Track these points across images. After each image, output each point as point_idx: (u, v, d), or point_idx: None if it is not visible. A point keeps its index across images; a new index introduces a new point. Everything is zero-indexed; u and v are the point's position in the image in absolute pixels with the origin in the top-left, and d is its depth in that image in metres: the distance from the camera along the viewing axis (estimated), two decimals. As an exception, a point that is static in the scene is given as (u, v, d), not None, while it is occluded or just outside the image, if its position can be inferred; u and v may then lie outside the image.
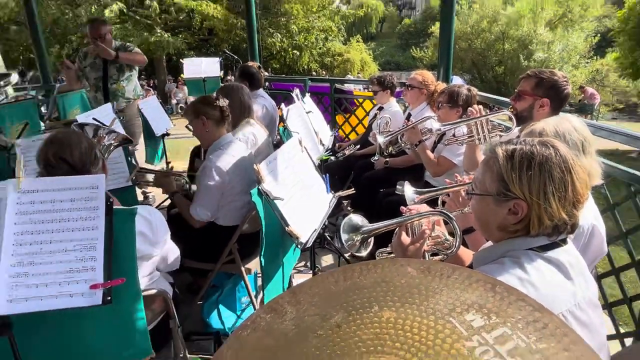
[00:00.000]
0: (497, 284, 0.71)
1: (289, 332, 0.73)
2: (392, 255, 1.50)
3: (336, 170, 4.10)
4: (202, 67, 6.19)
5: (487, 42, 20.09)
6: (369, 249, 1.58)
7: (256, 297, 2.78)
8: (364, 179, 3.84)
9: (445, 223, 1.49)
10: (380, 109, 4.29)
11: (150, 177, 2.73)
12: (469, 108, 2.51)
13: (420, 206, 1.55)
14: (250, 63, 4.40)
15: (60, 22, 14.73)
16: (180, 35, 17.19)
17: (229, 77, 8.97)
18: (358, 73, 22.78)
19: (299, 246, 1.70)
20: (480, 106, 2.51)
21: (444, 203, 1.89)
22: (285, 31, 18.56)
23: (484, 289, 0.71)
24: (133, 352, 1.43)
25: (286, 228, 1.67)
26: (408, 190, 1.92)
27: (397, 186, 3.37)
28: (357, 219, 1.59)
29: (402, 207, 1.56)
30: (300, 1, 18.34)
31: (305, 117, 2.81)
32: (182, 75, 13.12)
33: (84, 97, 5.00)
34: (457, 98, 3.02)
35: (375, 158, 3.62)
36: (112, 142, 2.17)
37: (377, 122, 3.87)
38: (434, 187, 3.19)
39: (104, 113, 3.06)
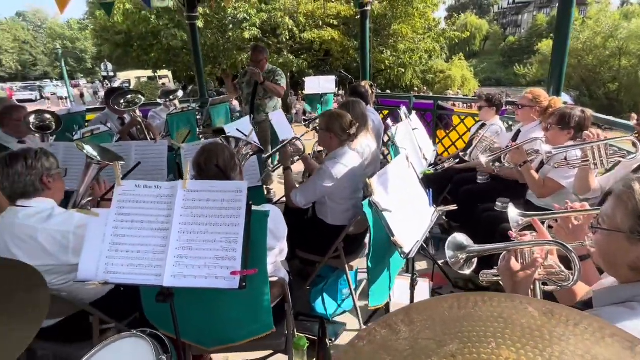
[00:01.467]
0: (638, 343, 0.58)
1: (403, 351, 0.68)
2: (498, 278, 1.35)
3: (434, 181, 3.89)
4: (320, 84, 6.38)
5: (600, 59, 17.34)
6: (472, 268, 1.45)
7: (355, 290, 2.77)
8: (462, 193, 3.57)
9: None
10: (483, 125, 3.96)
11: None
12: (586, 132, 2.17)
13: (536, 233, 1.37)
14: (362, 83, 4.42)
15: (212, 47, 16.51)
16: (302, 56, 17.99)
17: (341, 92, 9.09)
18: (458, 89, 21.46)
19: (402, 255, 1.63)
20: (599, 130, 2.15)
21: (550, 227, 1.65)
22: (393, 50, 18.26)
23: (621, 347, 0.58)
24: (259, 326, 1.52)
25: (392, 238, 1.62)
26: (512, 212, 1.71)
27: (497, 203, 3.07)
28: (461, 237, 1.47)
29: (510, 232, 1.39)
30: (409, 23, 17.87)
31: (411, 133, 2.71)
32: (302, 90, 13.78)
33: (227, 109, 5.53)
34: (569, 120, 2.63)
35: (480, 178, 3.35)
36: (249, 151, 2.34)
37: (481, 139, 3.58)
38: (537, 207, 2.84)
39: (244, 124, 3.33)
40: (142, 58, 17.85)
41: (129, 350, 1.12)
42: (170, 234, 1.35)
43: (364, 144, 3.03)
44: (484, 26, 51.87)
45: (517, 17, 56.85)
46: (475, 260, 1.47)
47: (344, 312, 2.84)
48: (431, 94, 17.55)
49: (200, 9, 14.50)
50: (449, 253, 1.41)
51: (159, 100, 5.28)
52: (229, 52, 16.48)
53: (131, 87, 25.66)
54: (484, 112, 3.91)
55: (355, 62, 19.70)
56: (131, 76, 27.54)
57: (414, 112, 3.22)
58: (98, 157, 2.10)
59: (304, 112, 7.56)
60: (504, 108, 4.00)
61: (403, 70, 20.53)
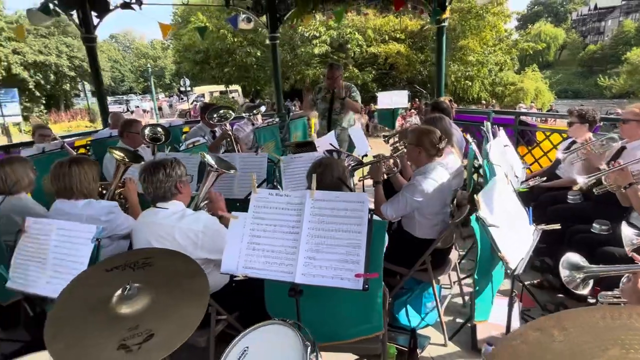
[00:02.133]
0: None
1: (562, 352, 0.78)
2: (619, 299, 1.34)
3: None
4: (392, 99, 6.46)
5: None
6: (588, 288, 1.44)
7: (440, 305, 2.79)
8: (550, 212, 3.43)
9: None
10: (574, 142, 3.78)
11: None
12: None
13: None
14: (442, 98, 4.44)
15: (282, 63, 17.45)
16: (367, 69, 18.22)
17: (414, 105, 9.09)
18: (532, 102, 20.23)
19: (509, 271, 1.67)
20: None
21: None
22: (460, 63, 17.82)
23: None
24: (369, 326, 1.64)
25: (498, 253, 1.66)
26: (627, 230, 1.67)
27: (595, 225, 2.92)
28: (576, 257, 1.48)
29: (634, 254, 1.38)
30: (478, 37, 17.36)
31: (503, 150, 2.70)
32: (373, 104, 13.93)
33: (305, 124, 5.82)
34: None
35: (571, 198, 3.21)
36: (351, 163, 2.50)
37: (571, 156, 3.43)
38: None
39: (330, 139, 3.54)
40: (217, 74, 19.26)
41: (275, 336, 1.30)
42: (300, 237, 1.53)
43: (450, 159, 3.06)
44: (560, 35, 48.46)
45: (599, 24, 52.34)
46: (592, 281, 1.47)
47: (427, 325, 2.86)
48: (497, 107, 16.76)
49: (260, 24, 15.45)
50: (564, 272, 1.43)
51: (243, 115, 5.73)
52: (296, 67, 17.24)
53: (205, 101, 27.74)
54: (574, 129, 3.73)
55: (419, 75, 19.49)
56: (205, 91, 29.77)
57: (502, 129, 3.17)
58: (216, 166, 2.40)
59: (372, 127, 7.68)
60: (598, 124, 3.78)
61: (470, 84, 19.91)
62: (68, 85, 26.84)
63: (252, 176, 1.65)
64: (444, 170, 2.77)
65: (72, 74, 26.38)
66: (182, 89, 28.04)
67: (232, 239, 1.63)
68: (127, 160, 2.79)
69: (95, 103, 29.87)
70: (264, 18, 6.63)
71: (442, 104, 4.06)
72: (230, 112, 4.87)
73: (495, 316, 2.63)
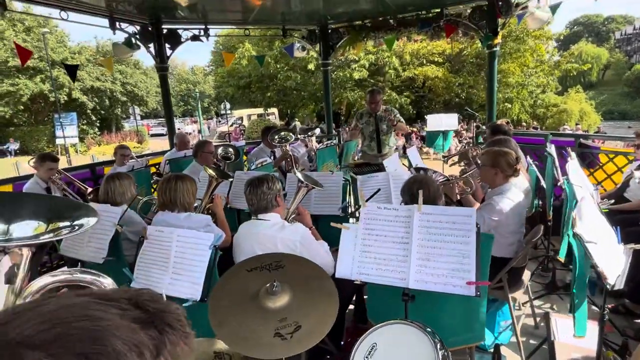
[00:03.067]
0: None
1: None
2: None
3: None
4: (442, 122, 6.58)
5: None
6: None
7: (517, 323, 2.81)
8: (627, 234, 3.39)
9: None
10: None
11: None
12: None
13: None
14: (500, 121, 4.54)
15: (321, 87, 18.06)
16: (404, 93, 18.44)
17: (464, 127, 9.14)
18: (577, 124, 19.60)
19: (609, 287, 1.74)
20: None
21: None
22: (500, 86, 17.69)
23: None
24: (471, 336, 1.75)
25: (597, 269, 1.74)
26: None
27: (677, 248, 2.88)
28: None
29: None
30: (518, 60, 17.25)
31: (580, 172, 2.77)
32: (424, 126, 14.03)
33: (355, 145, 6.04)
34: None
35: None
36: (439, 179, 2.66)
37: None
38: None
39: (396, 159, 3.72)
40: (258, 98, 20.13)
41: (402, 335, 1.45)
42: (410, 247, 1.69)
43: (521, 179, 3.14)
44: (603, 55, 46.90)
45: (646, 43, 50.24)
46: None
47: (500, 344, 2.88)
48: (538, 129, 16.35)
49: (313, 53, 16.08)
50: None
51: (298, 136, 6.04)
52: (334, 91, 17.76)
53: (244, 123, 28.86)
54: (642, 152, 3.71)
55: (457, 98, 19.48)
56: (244, 114, 30.97)
57: (573, 152, 3.23)
58: (306, 182, 2.62)
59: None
60: (668, 147, 3.74)
61: (509, 105, 19.62)
62: (120, 109, 28.87)
63: (361, 191, 1.84)
64: (518, 189, 2.86)
65: (124, 98, 28.38)
66: (222, 112, 29.39)
67: (345, 247, 1.81)
68: (218, 177, 3.08)
69: (142, 125, 31.99)
70: (317, 46, 7.03)
71: (502, 127, 4.16)
72: (291, 134, 5.18)
73: (574, 338, 2.63)
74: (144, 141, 25.98)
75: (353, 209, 3.62)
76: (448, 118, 6.53)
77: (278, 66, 17.49)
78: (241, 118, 31.32)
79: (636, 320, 3.10)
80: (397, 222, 1.77)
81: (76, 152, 21.37)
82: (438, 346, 1.34)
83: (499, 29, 5.63)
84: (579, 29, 59.58)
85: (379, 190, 2.47)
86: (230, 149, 4.68)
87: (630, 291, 3.18)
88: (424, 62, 17.24)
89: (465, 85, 17.96)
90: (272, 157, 5.26)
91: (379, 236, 1.77)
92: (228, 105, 28.61)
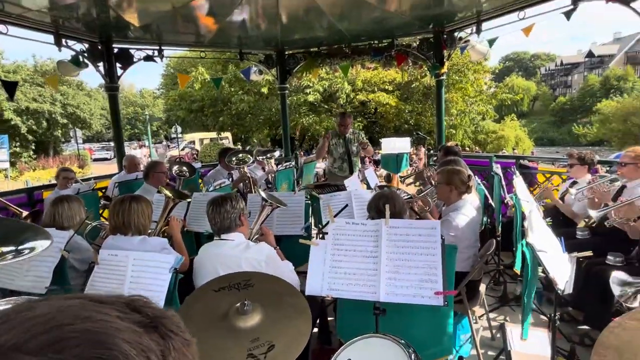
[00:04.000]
0: None
1: None
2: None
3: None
4: (396, 145, 6.86)
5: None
6: (637, 302, 1.65)
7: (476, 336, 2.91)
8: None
9: None
10: (574, 183, 4.14)
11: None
12: None
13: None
14: (450, 143, 4.84)
15: (276, 111, 18.19)
16: (358, 119, 19.10)
17: (415, 152, 9.58)
18: (514, 149, 21.35)
19: (559, 292, 1.87)
20: None
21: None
22: (445, 113, 18.96)
23: None
24: (440, 349, 1.78)
25: (548, 275, 1.87)
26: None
27: (609, 257, 3.18)
28: (622, 275, 1.70)
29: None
30: (459, 89, 18.67)
31: (524, 188, 3.00)
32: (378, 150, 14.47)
33: (314, 167, 6.12)
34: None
35: (580, 234, 3.49)
36: (403, 196, 2.74)
37: (576, 195, 3.76)
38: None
39: (355, 179, 3.81)
40: (211, 122, 19.83)
41: (378, 348, 1.44)
42: (380, 261, 1.72)
43: (472, 196, 3.34)
44: (532, 87, 52.14)
45: (566, 77, 56.71)
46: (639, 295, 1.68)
47: (461, 358, 2.95)
48: (482, 153, 17.64)
49: (268, 77, 16.26)
50: (617, 289, 1.64)
51: (257, 158, 5.99)
52: (290, 115, 18.02)
53: (195, 147, 28.13)
54: (575, 170, 4.12)
55: (406, 124, 20.52)
56: (195, 137, 30.25)
57: (517, 171, 3.51)
58: (270, 201, 2.59)
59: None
60: (595, 167, 4.18)
61: (454, 131, 20.98)
62: (60, 131, 26.96)
63: (329, 208, 1.85)
64: (471, 206, 3.03)
65: (65, 121, 26.61)
66: (173, 135, 28.50)
67: (314, 263, 1.79)
68: (175, 197, 2.95)
69: (84, 149, 30.04)
70: (274, 71, 7.13)
71: (453, 148, 4.44)
72: (249, 156, 5.14)
73: (528, 347, 2.78)
74: (85, 166, 24.35)
75: (315, 230, 3.62)
76: (401, 142, 6.81)
77: (232, 89, 17.44)
78: (193, 142, 30.58)
79: (580, 327, 3.33)
80: (366, 237, 1.79)
81: (6, 177, 19.47)
82: (412, 357, 1.36)
83: (445, 59, 6.08)
84: (510, 64, 65.98)
85: (346, 205, 2.50)
86: (185, 167, 4.53)
87: (572, 299, 3.44)
88: (376, 89, 18.08)
89: (414, 112, 19.01)
90: (230, 179, 5.16)
91: (348, 251, 1.78)
92: (179, 129, 27.86)
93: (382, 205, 2.06)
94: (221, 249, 2.22)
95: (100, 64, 5.62)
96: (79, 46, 5.33)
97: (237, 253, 2.19)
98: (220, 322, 1.40)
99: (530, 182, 5.15)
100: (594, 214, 3.05)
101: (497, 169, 3.91)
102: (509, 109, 36.10)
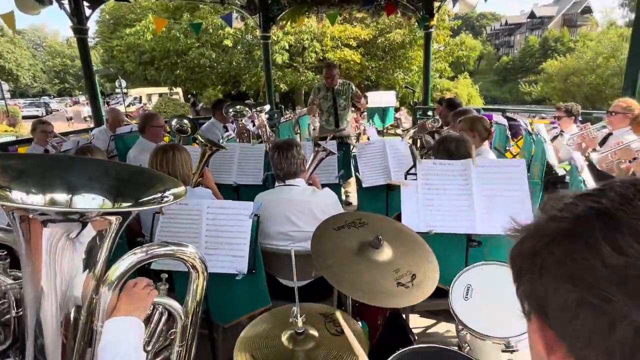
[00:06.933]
0: None
1: None
2: None
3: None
4: (381, 99, 6.94)
5: (603, 77, 18.47)
6: None
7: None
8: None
9: None
10: (561, 133, 4.52)
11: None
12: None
13: None
14: (448, 96, 4.99)
15: (236, 66, 17.24)
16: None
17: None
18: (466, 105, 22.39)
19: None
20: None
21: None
22: (408, 71, 19.22)
23: None
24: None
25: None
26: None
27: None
28: None
29: None
30: (421, 47, 18.89)
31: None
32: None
33: (307, 119, 6.04)
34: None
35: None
36: None
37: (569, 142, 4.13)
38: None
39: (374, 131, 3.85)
40: (166, 75, 18.40)
41: (498, 275, 1.57)
42: (472, 197, 1.82)
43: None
44: (478, 47, 53.98)
45: (509, 38, 59.24)
46: None
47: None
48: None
49: (231, 30, 15.22)
50: None
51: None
52: (252, 70, 17.17)
53: (143, 102, 26.18)
54: (563, 121, 4.48)
55: (367, 81, 20.57)
56: (143, 93, 28.10)
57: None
58: (324, 147, 2.57)
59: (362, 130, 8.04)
60: (580, 118, 4.58)
61: (412, 90, 21.46)
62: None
63: (417, 152, 1.89)
64: (492, 152, 3.23)
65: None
66: (118, 90, 26.14)
67: (407, 203, 1.86)
68: (211, 146, 2.80)
69: (16, 105, 26.58)
70: (256, 18, 6.72)
71: (456, 100, 4.59)
72: (247, 109, 4.95)
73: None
74: (17, 124, 21.80)
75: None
76: (387, 95, 6.91)
77: (188, 41, 16.12)
78: (140, 98, 28.35)
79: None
80: (454, 176, 1.88)
81: None
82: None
83: (434, 11, 6.09)
84: (459, 22, 67.29)
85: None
86: (186, 121, 4.26)
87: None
88: (340, 44, 17.70)
89: (376, 69, 19.02)
90: (225, 132, 4.95)
91: (439, 190, 1.86)
92: (124, 83, 25.60)
93: (454, 147, 2.14)
94: (289, 195, 2.20)
95: (66, 1, 4.93)
96: (41, -21, 4.62)
97: (306, 198, 2.19)
98: (358, 256, 1.44)
99: (515, 133, 5.52)
100: (595, 156, 3.38)
101: (499, 119, 4.13)
102: (457, 68, 37.31)
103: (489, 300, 1.48)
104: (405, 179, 1.95)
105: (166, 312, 1.32)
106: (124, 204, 1.17)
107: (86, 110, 22.68)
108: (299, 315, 1.26)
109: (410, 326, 1.96)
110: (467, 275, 1.59)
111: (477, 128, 3.11)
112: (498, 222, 1.79)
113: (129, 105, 25.40)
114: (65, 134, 5.02)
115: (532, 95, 23.28)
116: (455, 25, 24.85)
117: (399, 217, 3.30)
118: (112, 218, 1.07)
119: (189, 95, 29.97)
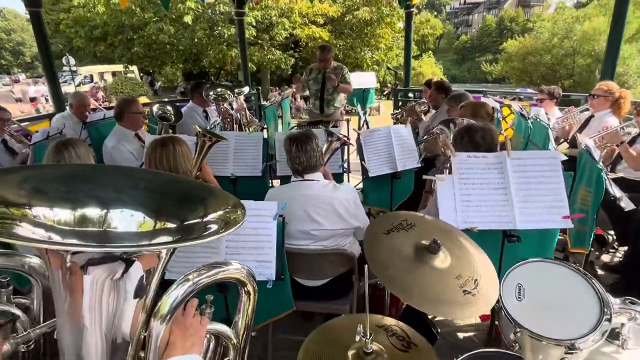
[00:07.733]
0: None
1: None
2: None
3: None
4: (361, 80, 6.80)
5: (558, 57, 19.35)
6: None
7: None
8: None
9: None
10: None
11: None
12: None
13: None
14: (435, 79, 4.92)
15: (198, 43, 16.30)
16: (287, 53, 18.23)
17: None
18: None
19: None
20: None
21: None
22: (375, 49, 19.09)
23: None
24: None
25: (611, 190, 2.14)
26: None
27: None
28: None
29: None
30: (388, 24, 18.76)
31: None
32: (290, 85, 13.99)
33: (288, 103, 5.79)
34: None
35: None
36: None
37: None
38: (629, 180, 3.49)
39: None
40: (121, 52, 17.07)
41: (548, 273, 1.53)
42: (509, 191, 1.77)
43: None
44: (439, 25, 54.74)
45: (468, 17, 60.43)
46: None
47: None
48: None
49: (192, 4, 14.26)
50: None
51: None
52: (214, 47, 16.29)
53: (95, 81, 24.32)
54: (545, 104, 4.59)
55: (335, 59, 20.30)
56: (94, 71, 26.02)
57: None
58: (339, 137, 2.43)
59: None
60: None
61: (377, 68, 21.43)
62: None
63: (447, 141, 1.80)
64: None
65: None
66: (65, 68, 24.00)
67: (445, 199, 1.78)
68: (211, 137, 2.55)
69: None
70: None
71: (446, 84, 4.54)
72: (229, 92, 4.65)
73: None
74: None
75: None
76: (368, 77, 6.78)
77: (145, 16, 14.92)
78: (91, 76, 26.27)
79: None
80: (490, 169, 1.81)
81: None
82: (585, 275, 1.47)
83: (416, -10, 5.96)
84: (422, 2, 67.54)
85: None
86: (169, 107, 3.92)
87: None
88: (307, 21, 17.18)
89: (343, 47, 18.73)
90: (205, 117, 4.63)
91: (475, 184, 1.79)
92: (72, 61, 23.54)
93: (480, 137, 2.06)
94: (310, 190, 2.06)
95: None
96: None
97: (327, 193, 2.05)
98: (417, 263, 1.34)
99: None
100: (586, 140, 3.48)
101: (489, 101, 4.14)
102: (419, 46, 37.66)
103: (545, 300, 1.45)
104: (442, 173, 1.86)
105: (213, 338, 1.19)
106: (168, 225, 0.97)
107: (32, 90, 20.68)
108: (368, 332, 1.16)
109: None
110: (514, 274, 1.54)
111: (479, 113, 3.07)
112: (537, 216, 1.75)
113: (79, 85, 23.45)
114: (22, 121, 4.47)
115: (492, 75, 24.09)
116: (422, 4, 24.86)
117: (401, 207, 3.27)
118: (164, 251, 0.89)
119: (145, 74, 28.19)
